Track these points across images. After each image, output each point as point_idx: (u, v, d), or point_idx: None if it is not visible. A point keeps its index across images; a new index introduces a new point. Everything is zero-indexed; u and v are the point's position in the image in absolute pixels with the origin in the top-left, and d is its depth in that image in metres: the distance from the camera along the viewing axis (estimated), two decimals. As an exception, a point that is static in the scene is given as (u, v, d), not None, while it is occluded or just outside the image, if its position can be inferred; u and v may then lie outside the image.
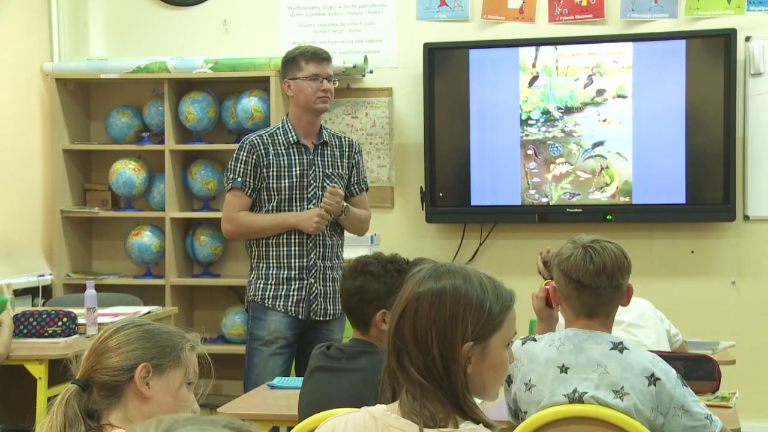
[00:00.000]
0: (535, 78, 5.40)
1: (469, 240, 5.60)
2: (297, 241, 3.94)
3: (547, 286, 2.98)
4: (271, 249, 3.97)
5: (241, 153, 3.95)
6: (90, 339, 3.90)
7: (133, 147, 5.67)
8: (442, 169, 5.50)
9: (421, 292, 1.79)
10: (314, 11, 5.72)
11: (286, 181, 3.95)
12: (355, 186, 4.13)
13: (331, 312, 4.04)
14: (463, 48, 5.47)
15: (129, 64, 5.57)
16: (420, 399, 1.74)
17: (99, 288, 4.34)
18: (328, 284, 4.02)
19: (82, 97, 5.83)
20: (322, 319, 4.02)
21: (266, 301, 3.96)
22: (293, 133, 3.97)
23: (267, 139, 3.96)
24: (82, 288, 4.38)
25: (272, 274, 3.96)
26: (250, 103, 5.47)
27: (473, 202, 5.48)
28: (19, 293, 5.08)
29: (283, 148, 3.96)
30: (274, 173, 3.94)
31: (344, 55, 5.58)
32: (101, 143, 5.79)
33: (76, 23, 5.90)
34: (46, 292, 5.45)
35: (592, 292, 2.58)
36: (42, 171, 5.60)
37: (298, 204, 3.95)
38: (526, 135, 5.42)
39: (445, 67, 5.48)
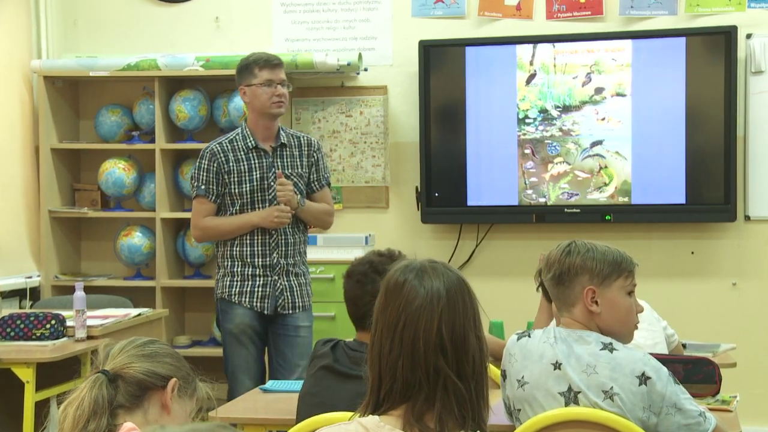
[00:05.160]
0: (532, 76, 5.33)
1: (465, 241, 5.53)
2: (259, 241, 4.11)
3: None
4: (235, 249, 4.13)
5: (203, 161, 4.12)
6: (80, 342, 3.88)
7: (123, 146, 5.61)
8: (437, 169, 5.43)
9: (440, 292, 1.74)
10: (308, 8, 5.65)
11: (247, 185, 4.10)
12: (316, 182, 4.24)
13: (299, 305, 4.19)
14: (459, 45, 5.40)
15: (119, 61, 5.51)
16: (453, 405, 1.70)
17: (88, 290, 4.29)
18: (291, 279, 4.18)
19: (71, 95, 5.76)
20: (289, 312, 4.18)
21: (233, 297, 4.14)
22: (251, 139, 4.12)
23: (227, 146, 4.13)
24: (70, 290, 4.33)
25: (237, 271, 4.13)
26: (242, 101, 5.39)
27: (469, 203, 5.42)
28: (6, 295, 5.08)
29: (242, 153, 4.12)
30: (236, 179, 4.10)
31: (338, 52, 5.51)
32: (90, 142, 5.73)
33: (65, 19, 5.83)
34: (34, 293, 5.41)
35: (546, 280, 2.68)
36: (29, 170, 5.54)
37: (260, 206, 4.11)
38: (524, 134, 5.36)
39: (440, 64, 5.41)
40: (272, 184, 4.09)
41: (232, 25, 5.74)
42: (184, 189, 5.59)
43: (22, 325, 4.03)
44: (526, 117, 5.35)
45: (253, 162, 4.11)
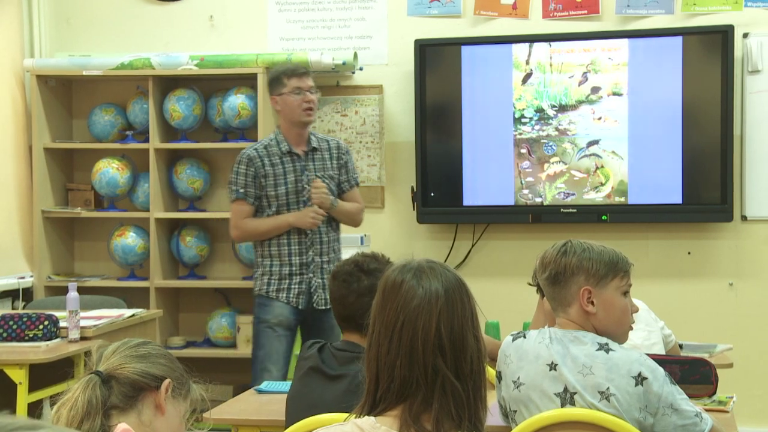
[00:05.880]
0: (528, 75, 5.31)
1: (461, 241, 5.50)
2: (296, 240, 4.37)
3: None
4: (273, 248, 4.39)
5: (241, 166, 4.39)
6: (73, 343, 3.85)
7: (117, 146, 5.57)
8: (433, 169, 5.40)
9: (438, 292, 1.74)
10: (303, 6, 5.62)
11: (283, 188, 4.37)
12: (346, 183, 4.50)
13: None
14: (455, 44, 5.38)
15: (112, 60, 5.47)
16: (450, 406, 1.69)
17: (81, 290, 4.27)
18: (325, 277, 4.38)
19: (63, 94, 5.72)
20: (323, 308, 4.39)
21: (270, 293, 4.40)
22: (285, 144, 4.39)
23: (262, 151, 4.39)
24: (63, 290, 4.29)
25: (275, 270, 4.39)
26: (237, 100, 5.38)
27: (465, 202, 5.39)
28: (-2, 296, 5.00)
29: (277, 158, 4.38)
30: (272, 182, 4.37)
31: (333, 51, 5.48)
32: (84, 142, 5.69)
33: (58, 18, 5.79)
34: (27, 294, 5.36)
35: (540, 279, 2.66)
36: (22, 170, 5.50)
37: (295, 207, 4.37)
38: (520, 133, 5.33)
39: (436, 64, 5.39)
40: (306, 186, 4.37)
41: (227, 23, 5.71)
42: (179, 189, 5.56)
43: (14, 326, 3.99)
44: (522, 116, 5.33)
45: (287, 166, 4.38)
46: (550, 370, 2.50)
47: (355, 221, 4.57)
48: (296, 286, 4.38)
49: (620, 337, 2.60)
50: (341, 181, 4.48)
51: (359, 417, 1.74)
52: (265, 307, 4.40)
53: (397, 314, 1.72)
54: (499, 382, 2.63)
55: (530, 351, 2.55)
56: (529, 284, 3.03)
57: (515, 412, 2.57)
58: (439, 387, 1.69)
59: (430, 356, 1.69)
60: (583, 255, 2.57)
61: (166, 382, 1.88)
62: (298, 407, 2.64)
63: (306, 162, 4.40)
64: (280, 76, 4.39)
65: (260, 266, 4.44)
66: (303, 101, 4.35)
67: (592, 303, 2.56)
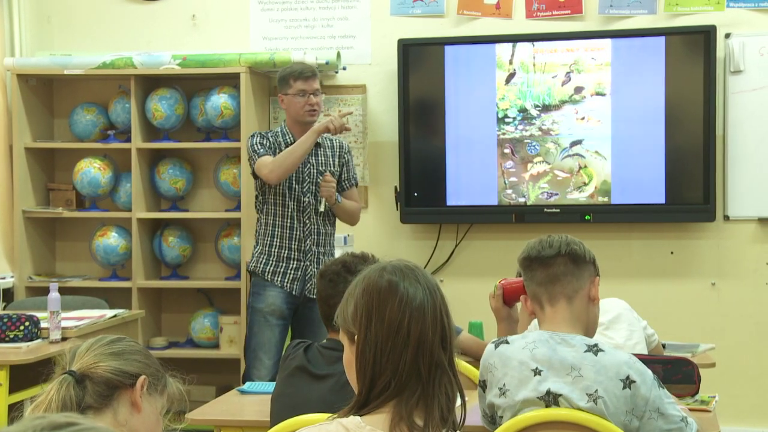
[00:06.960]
0: (512, 75, 5.31)
1: (444, 241, 5.50)
2: (297, 226, 4.52)
3: (502, 282, 3.20)
4: (276, 229, 4.51)
5: (256, 138, 4.52)
6: (55, 344, 3.82)
7: (99, 145, 5.55)
8: (417, 169, 5.39)
9: (434, 288, 1.80)
10: (285, 6, 5.61)
11: None
12: (346, 182, 4.64)
13: None
14: (438, 44, 5.37)
15: (94, 59, 5.44)
16: (443, 401, 1.73)
17: (63, 291, 4.24)
18: (321, 267, 4.34)
19: (45, 93, 5.68)
20: (314, 296, 4.38)
21: (266, 275, 4.50)
22: (290, 136, 4.53)
23: (271, 137, 4.55)
24: (45, 291, 4.28)
25: (274, 251, 4.51)
26: (219, 100, 5.36)
27: (449, 202, 5.39)
28: (-22, 296, 4.96)
29: (283, 146, 4.51)
30: None
31: (316, 51, 5.47)
32: (65, 141, 5.66)
33: (39, 17, 5.76)
34: (8, 295, 5.34)
35: (541, 264, 2.58)
36: (3, 170, 5.46)
37: (294, 195, 4.49)
38: (503, 133, 5.33)
39: (420, 63, 5.38)
40: (306, 177, 4.50)
41: (209, 23, 5.69)
42: (161, 189, 5.53)
43: (-6, 327, 3.97)
44: (506, 116, 5.33)
45: None
46: (535, 375, 2.48)
47: (353, 219, 4.69)
48: (292, 272, 4.49)
49: (594, 332, 2.62)
50: (341, 180, 4.61)
51: (345, 417, 1.73)
52: (260, 295, 4.50)
53: (402, 312, 1.74)
54: (483, 391, 2.59)
55: (514, 356, 2.52)
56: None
57: (502, 417, 2.54)
58: (437, 381, 1.73)
59: (437, 350, 1.73)
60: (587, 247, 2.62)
61: (142, 378, 1.86)
62: (283, 407, 2.64)
63: (309, 156, 4.51)
64: (288, 77, 4.52)
65: (260, 244, 4.56)
66: (306, 103, 4.49)
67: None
